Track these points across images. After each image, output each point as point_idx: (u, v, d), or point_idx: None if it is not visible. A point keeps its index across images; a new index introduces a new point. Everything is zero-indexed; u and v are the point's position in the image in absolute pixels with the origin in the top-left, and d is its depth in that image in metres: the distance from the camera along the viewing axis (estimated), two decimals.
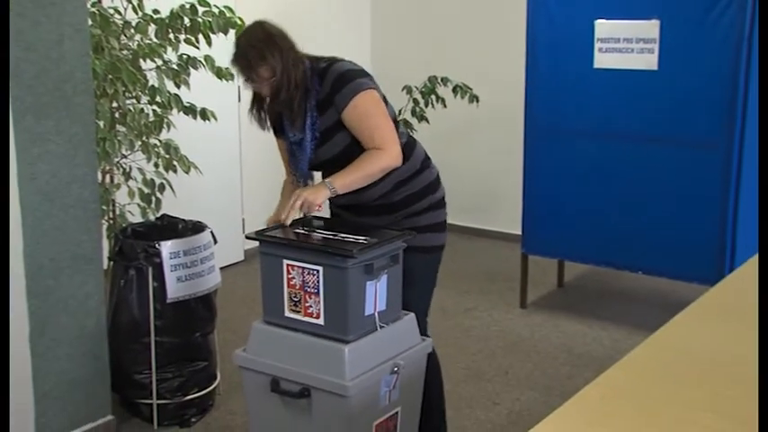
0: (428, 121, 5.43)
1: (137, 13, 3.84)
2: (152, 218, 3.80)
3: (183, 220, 3.61)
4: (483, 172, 6.23)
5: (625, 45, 4.21)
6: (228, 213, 5.47)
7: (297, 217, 2.65)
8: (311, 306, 2.52)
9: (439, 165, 2.92)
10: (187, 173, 3.93)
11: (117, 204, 3.92)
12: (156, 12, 3.84)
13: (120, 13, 3.83)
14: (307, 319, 2.53)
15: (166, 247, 3.32)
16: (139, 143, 3.79)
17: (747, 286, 2.09)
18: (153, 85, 3.76)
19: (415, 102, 5.44)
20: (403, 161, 2.71)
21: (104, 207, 3.65)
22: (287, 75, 2.63)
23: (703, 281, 3.85)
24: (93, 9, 3.61)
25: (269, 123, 2.85)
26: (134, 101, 3.81)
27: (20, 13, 2.83)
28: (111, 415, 3.34)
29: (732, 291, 2.22)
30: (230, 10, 3.90)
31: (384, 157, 2.66)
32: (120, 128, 3.76)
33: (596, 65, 4.32)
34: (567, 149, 4.49)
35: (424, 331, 2.81)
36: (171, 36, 3.85)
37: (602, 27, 4.28)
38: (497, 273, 5.46)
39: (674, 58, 4.10)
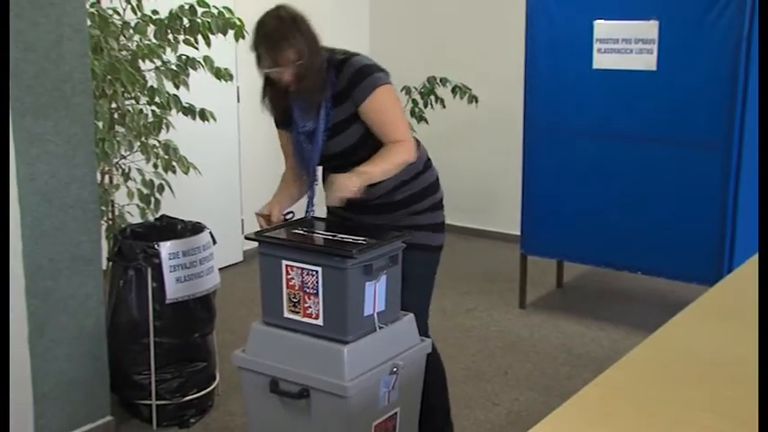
0: (427, 122, 5.43)
1: (136, 14, 3.84)
2: (151, 218, 3.79)
3: (182, 220, 3.61)
4: (482, 172, 6.23)
5: (624, 45, 4.21)
6: (227, 214, 5.47)
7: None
8: (310, 307, 2.52)
9: (438, 165, 2.92)
10: (186, 173, 3.93)
11: (116, 205, 3.92)
12: (155, 12, 3.84)
13: (119, 14, 3.83)
14: (306, 319, 2.53)
15: (165, 248, 3.32)
16: (138, 144, 3.78)
17: (747, 286, 2.09)
18: (152, 86, 3.76)
19: (414, 102, 5.44)
20: None
21: (103, 208, 3.64)
22: (313, 58, 2.59)
23: (702, 281, 3.85)
24: (92, 10, 3.60)
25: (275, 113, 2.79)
26: (133, 101, 3.81)
27: (19, 13, 2.82)
28: (111, 416, 3.34)
29: (731, 291, 2.22)
30: (229, 11, 3.90)
31: (404, 151, 2.67)
32: (119, 128, 3.76)
33: (595, 65, 4.32)
34: (566, 150, 4.49)
35: (424, 332, 2.81)
36: (170, 37, 3.84)
37: (601, 27, 4.28)
38: (497, 273, 5.46)
39: (672, 59, 4.10)
